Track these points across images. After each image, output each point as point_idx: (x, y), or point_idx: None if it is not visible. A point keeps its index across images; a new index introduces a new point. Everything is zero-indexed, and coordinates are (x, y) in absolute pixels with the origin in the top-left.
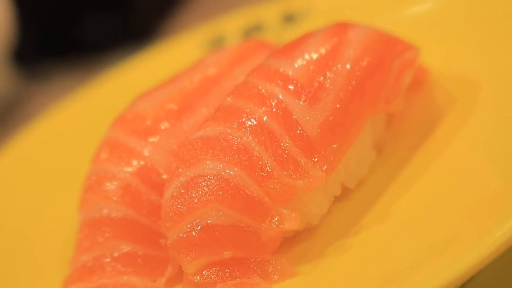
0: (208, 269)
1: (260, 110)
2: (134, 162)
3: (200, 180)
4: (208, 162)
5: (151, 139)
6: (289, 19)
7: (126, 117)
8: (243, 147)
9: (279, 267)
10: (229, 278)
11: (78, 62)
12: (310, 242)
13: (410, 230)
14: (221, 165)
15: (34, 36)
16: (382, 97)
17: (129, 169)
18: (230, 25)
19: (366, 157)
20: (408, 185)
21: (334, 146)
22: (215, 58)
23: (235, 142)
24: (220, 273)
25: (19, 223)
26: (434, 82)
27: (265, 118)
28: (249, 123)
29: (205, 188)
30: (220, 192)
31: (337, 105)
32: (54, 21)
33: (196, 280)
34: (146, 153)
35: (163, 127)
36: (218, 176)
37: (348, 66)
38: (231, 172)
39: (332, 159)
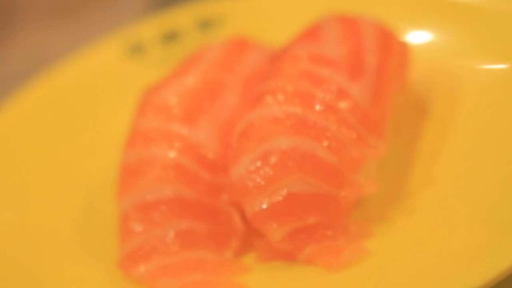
0: (294, 235)
1: (315, 88)
2: (178, 144)
3: (277, 154)
4: (282, 137)
5: (188, 123)
6: (205, 25)
7: (150, 106)
8: (312, 122)
9: (358, 228)
10: (316, 242)
11: None
12: (366, 207)
13: (459, 194)
14: (297, 139)
15: None
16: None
17: (176, 150)
18: (147, 32)
19: (388, 135)
20: (433, 157)
21: (381, 120)
22: (211, 54)
23: (302, 118)
24: (307, 238)
25: None
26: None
27: (322, 94)
28: (309, 100)
29: (284, 161)
30: (301, 163)
31: (376, 82)
32: None
33: (283, 247)
34: (188, 135)
35: (194, 112)
36: (296, 149)
37: (372, 48)
38: (308, 145)
39: (383, 131)
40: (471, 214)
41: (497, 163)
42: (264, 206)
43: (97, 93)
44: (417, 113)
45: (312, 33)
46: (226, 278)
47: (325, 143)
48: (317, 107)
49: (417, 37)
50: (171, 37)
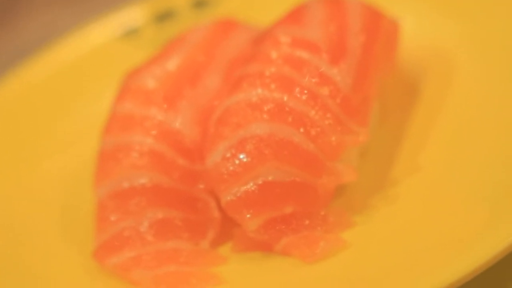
0: (269, 225)
1: (294, 72)
2: (155, 130)
3: (253, 141)
4: (259, 123)
5: (166, 108)
6: (200, 4)
7: (129, 90)
8: (290, 108)
9: (337, 218)
10: (292, 232)
11: None
12: (348, 196)
13: (445, 182)
14: (274, 125)
15: None
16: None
17: (152, 136)
18: (142, 12)
19: (374, 120)
20: (420, 143)
21: (364, 105)
22: (195, 36)
23: (279, 103)
24: (283, 228)
25: None
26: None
27: (300, 79)
28: (287, 85)
29: (260, 148)
30: (277, 150)
31: (360, 65)
32: None
33: (259, 237)
34: (166, 120)
35: (173, 97)
36: (273, 135)
37: (358, 30)
38: (285, 131)
39: (365, 117)
40: (456, 203)
41: (487, 150)
42: (239, 195)
43: (90, 74)
44: (406, 95)
45: (295, 15)
46: (200, 269)
47: (302, 129)
48: (295, 92)
49: (407, 15)
50: (165, 17)
